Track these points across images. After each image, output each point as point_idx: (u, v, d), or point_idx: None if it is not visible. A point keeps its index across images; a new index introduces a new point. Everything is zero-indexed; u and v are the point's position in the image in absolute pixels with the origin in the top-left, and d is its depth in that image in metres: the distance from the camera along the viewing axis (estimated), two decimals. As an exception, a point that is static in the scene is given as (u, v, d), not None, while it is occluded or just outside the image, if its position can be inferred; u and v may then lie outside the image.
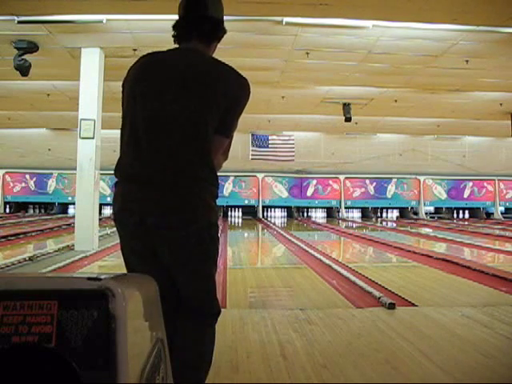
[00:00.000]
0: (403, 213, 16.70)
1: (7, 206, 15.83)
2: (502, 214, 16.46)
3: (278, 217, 16.15)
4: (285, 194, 16.05)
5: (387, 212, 17.00)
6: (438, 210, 16.97)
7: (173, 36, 1.70)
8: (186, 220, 1.54)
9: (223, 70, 1.65)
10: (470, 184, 16.57)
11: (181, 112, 1.56)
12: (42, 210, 16.26)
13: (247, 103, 1.69)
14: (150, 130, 1.56)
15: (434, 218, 16.30)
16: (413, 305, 3.65)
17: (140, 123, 1.57)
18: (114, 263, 5.96)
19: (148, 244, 1.58)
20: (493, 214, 16.57)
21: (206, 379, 1.65)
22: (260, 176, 15.69)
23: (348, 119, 10.39)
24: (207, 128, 1.56)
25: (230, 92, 1.61)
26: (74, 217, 7.32)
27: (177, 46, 1.71)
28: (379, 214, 16.85)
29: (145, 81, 1.62)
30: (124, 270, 1.64)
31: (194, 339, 1.62)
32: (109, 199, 15.85)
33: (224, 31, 1.74)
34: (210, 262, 1.65)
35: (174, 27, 1.68)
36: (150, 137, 1.56)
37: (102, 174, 7.07)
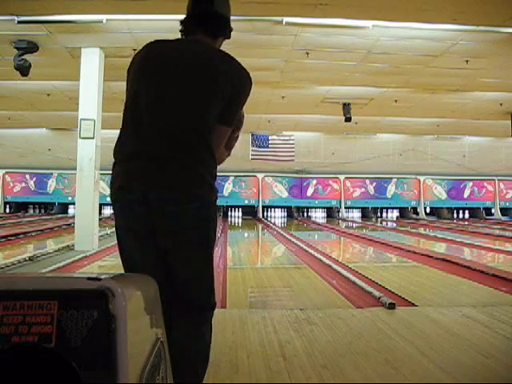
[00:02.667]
0: (403, 213, 16.71)
1: (7, 206, 15.83)
2: (501, 213, 16.46)
3: (277, 217, 16.15)
4: (285, 194, 16.05)
5: (387, 212, 17.00)
6: (437, 210, 16.96)
7: (180, 31, 1.77)
8: (188, 195, 1.55)
9: (227, 59, 1.67)
10: (470, 184, 16.57)
11: (183, 96, 1.59)
12: (42, 210, 16.26)
13: (249, 96, 1.71)
14: (153, 111, 1.58)
15: (434, 215, 16.30)
16: (413, 305, 3.65)
17: (143, 105, 1.59)
18: (114, 263, 5.95)
19: (147, 223, 1.56)
20: (493, 213, 16.57)
21: (205, 378, 1.64)
22: (260, 176, 15.70)
23: (348, 119, 10.39)
24: (208, 112, 1.59)
25: (232, 81, 1.63)
26: (74, 217, 7.32)
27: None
28: (379, 214, 16.85)
29: (149, 66, 1.65)
30: (123, 270, 1.64)
31: (191, 335, 1.60)
32: (109, 199, 15.82)
33: (230, 29, 1.79)
34: (208, 243, 1.63)
35: (182, 22, 1.76)
36: (152, 118, 1.57)
37: (101, 173, 7.07)
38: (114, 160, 1.64)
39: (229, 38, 1.82)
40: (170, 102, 1.58)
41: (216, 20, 1.74)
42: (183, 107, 1.58)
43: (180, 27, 1.76)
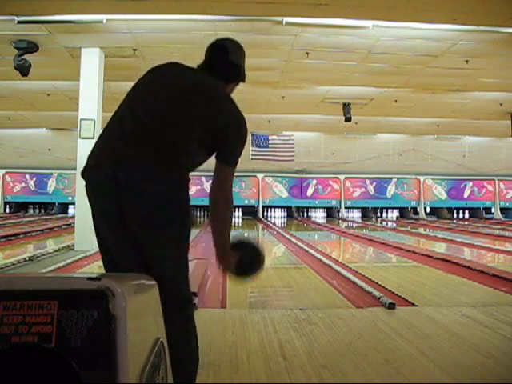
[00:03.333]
0: (403, 213, 16.70)
1: (7, 206, 15.82)
2: (501, 213, 16.46)
3: (277, 217, 16.15)
4: (285, 194, 16.05)
5: (387, 212, 17.00)
6: (438, 211, 16.96)
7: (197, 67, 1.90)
8: (158, 174, 1.56)
9: (222, 98, 1.78)
10: (470, 184, 16.57)
11: (174, 113, 1.65)
12: (42, 210, 16.25)
13: (244, 141, 1.79)
14: (140, 118, 1.64)
15: (434, 215, 16.30)
16: (413, 305, 3.64)
17: (134, 110, 1.67)
18: (114, 263, 5.96)
19: (119, 203, 1.53)
20: (493, 213, 16.57)
21: (205, 378, 1.63)
22: (260, 176, 15.70)
23: (348, 119, 10.39)
24: (189, 137, 1.64)
25: (221, 116, 1.71)
26: (74, 217, 7.32)
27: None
28: (379, 214, 16.85)
29: (150, 85, 1.76)
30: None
31: (177, 333, 1.49)
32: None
33: (244, 74, 1.96)
34: (176, 227, 1.59)
35: (199, 66, 1.88)
36: (137, 122, 1.63)
37: (102, 173, 7.06)
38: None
39: (243, 81, 1.96)
40: (160, 115, 1.64)
41: (230, 68, 1.90)
42: (170, 123, 1.63)
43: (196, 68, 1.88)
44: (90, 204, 1.65)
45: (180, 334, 1.55)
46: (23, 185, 15.74)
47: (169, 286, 1.52)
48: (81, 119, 6.79)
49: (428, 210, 16.70)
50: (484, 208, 16.74)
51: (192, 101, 1.66)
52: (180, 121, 1.63)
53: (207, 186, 15.56)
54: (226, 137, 1.71)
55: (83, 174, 1.64)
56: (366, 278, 4.73)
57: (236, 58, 1.94)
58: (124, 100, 1.73)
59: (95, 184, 1.60)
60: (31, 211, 16.14)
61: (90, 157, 1.66)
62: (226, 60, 1.88)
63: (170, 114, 1.64)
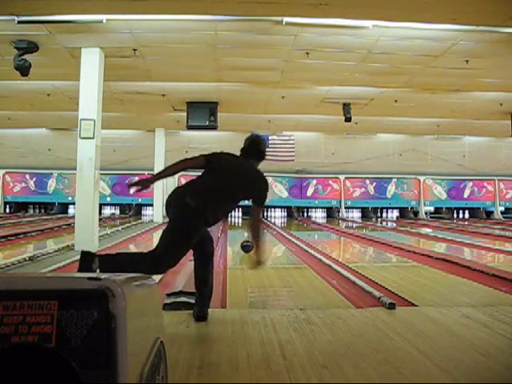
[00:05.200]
0: (403, 213, 16.71)
1: (7, 206, 15.83)
2: (501, 213, 16.46)
3: (277, 217, 16.15)
4: (285, 194, 16.05)
5: (387, 212, 17.00)
6: (437, 210, 16.97)
7: (240, 151, 3.30)
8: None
9: (258, 176, 3.20)
10: (470, 184, 16.57)
11: (230, 188, 3.04)
12: (42, 210, 16.26)
13: (268, 190, 3.21)
14: (211, 189, 2.98)
15: (434, 218, 16.30)
16: (413, 305, 3.65)
17: (213, 180, 3.05)
18: (114, 263, 5.95)
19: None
20: (493, 213, 16.57)
21: (205, 379, 1.63)
22: (260, 176, 15.67)
23: (348, 119, 10.38)
24: (234, 200, 3.11)
25: (258, 186, 3.16)
26: (73, 217, 7.32)
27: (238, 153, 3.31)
28: (379, 214, 16.85)
29: (225, 162, 3.19)
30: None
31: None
32: (109, 199, 15.88)
33: (264, 156, 3.38)
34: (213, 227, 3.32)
35: (242, 149, 3.30)
36: (215, 185, 3.02)
37: (101, 173, 7.07)
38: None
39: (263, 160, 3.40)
40: (223, 190, 3.00)
41: (259, 154, 3.32)
42: (226, 195, 3.02)
43: (241, 152, 3.29)
44: (187, 222, 2.87)
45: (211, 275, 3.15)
46: (23, 185, 15.75)
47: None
48: (81, 119, 6.78)
49: (428, 209, 16.68)
50: (484, 208, 16.74)
51: (244, 181, 3.14)
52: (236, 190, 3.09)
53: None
54: (261, 195, 3.15)
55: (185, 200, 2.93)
56: (366, 278, 4.73)
57: (263, 147, 3.39)
58: (209, 175, 3.09)
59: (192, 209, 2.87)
60: (31, 211, 16.14)
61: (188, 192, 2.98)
62: (258, 150, 3.33)
63: (234, 185, 3.07)
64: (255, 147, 3.33)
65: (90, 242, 6.72)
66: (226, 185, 3.01)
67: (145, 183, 2.98)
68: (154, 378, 1.09)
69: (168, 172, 3.06)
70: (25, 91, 9.32)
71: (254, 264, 3.08)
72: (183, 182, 15.73)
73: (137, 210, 16.18)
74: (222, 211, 3.09)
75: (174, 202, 2.94)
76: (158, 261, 2.77)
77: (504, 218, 16.00)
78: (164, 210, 3.17)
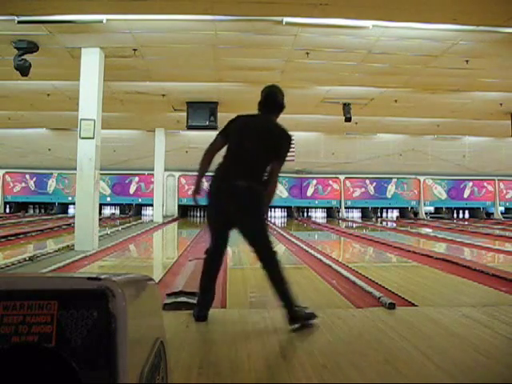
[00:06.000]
0: (403, 213, 16.70)
1: (7, 206, 15.83)
2: (501, 213, 16.46)
3: (278, 217, 16.15)
4: (285, 194, 16.05)
5: (387, 212, 17.00)
6: (437, 210, 16.97)
7: (258, 105, 3.16)
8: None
9: (281, 130, 3.05)
10: (470, 184, 16.57)
11: (256, 151, 2.98)
12: (42, 210, 16.26)
13: (290, 144, 3.06)
14: (238, 157, 3.00)
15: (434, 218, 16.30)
16: (413, 305, 3.64)
17: (234, 152, 3.03)
18: (114, 263, 5.95)
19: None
20: (493, 213, 16.57)
21: (205, 379, 1.63)
22: (260, 176, 15.67)
23: (348, 119, 10.38)
24: (267, 162, 3.00)
25: (281, 142, 3.03)
26: (73, 217, 7.32)
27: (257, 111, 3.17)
28: (379, 214, 16.84)
29: (242, 130, 3.07)
30: (123, 270, 1.64)
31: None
32: (109, 199, 15.89)
33: (283, 108, 3.21)
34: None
35: (259, 104, 3.15)
36: (237, 161, 3.01)
37: (101, 173, 7.07)
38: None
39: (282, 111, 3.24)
40: (248, 155, 2.98)
41: (278, 107, 3.17)
42: (256, 154, 2.98)
43: (258, 107, 3.16)
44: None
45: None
46: (23, 185, 15.75)
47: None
48: (81, 119, 6.78)
49: (428, 209, 16.67)
50: (484, 208, 16.74)
51: (269, 139, 3.02)
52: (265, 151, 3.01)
53: (207, 186, 15.57)
54: (285, 153, 3.03)
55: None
56: (366, 277, 4.73)
57: (282, 99, 3.19)
58: (233, 145, 3.04)
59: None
60: (31, 211, 16.14)
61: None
62: (276, 102, 3.16)
63: (259, 147, 2.99)
64: (272, 99, 3.15)
65: (89, 242, 6.72)
66: (253, 152, 2.94)
67: (197, 190, 3.06)
68: (154, 378, 1.09)
69: (203, 169, 3.07)
70: (25, 91, 9.33)
71: None
72: (183, 181, 15.79)
73: (137, 210, 16.18)
74: (262, 179, 2.99)
75: (229, 191, 2.91)
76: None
77: (504, 218, 16.00)
78: (198, 200, 3.09)
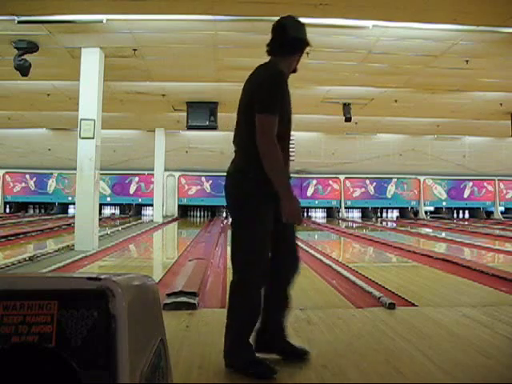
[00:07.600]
0: (403, 213, 16.70)
1: (7, 206, 15.83)
2: (501, 213, 16.45)
3: (277, 217, 16.11)
4: (285, 194, 16.01)
5: (387, 212, 17.00)
6: (437, 210, 16.97)
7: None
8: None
9: (257, 73, 2.28)
10: (470, 184, 16.56)
11: (237, 117, 2.33)
12: (42, 210, 16.25)
13: (272, 85, 2.22)
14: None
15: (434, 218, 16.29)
16: (413, 305, 3.64)
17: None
18: (114, 263, 5.96)
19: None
20: (493, 213, 16.56)
21: (205, 379, 1.63)
22: (260, 176, 15.67)
23: (348, 119, 10.38)
24: (247, 123, 2.19)
25: (253, 87, 2.23)
26: (74, 217, 7.32)
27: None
28: (379, 214, 16.84)
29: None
30: (123, 270, 1.64)
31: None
32: (109, 199, 15.88)
33: (304, 44, 2.50)
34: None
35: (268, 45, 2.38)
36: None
37: (101, 173, 7.07)
38: None
39: (307, 46, 2.57)
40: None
41: (282, 43, 2.42)
42: (237, 121, 2.32)
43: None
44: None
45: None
46: (23, 185, 15.75)
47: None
48: (81, 119, 6.78)
49: (428, 209, 16.67)
50: (484, 208, 16.73)
51: (244, 93, 2.28)
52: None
53: (207, 185, 15.58)
54: (256, 95, 2.16)
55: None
56: (366, 277, 4.73)
57: (289, 31, 2.40)
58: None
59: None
60: (31, 211, 16.14)
61: None
62: (278, 37, 2.36)
63: (239, 111, 2.32)
64: (276, 34, 2.37)
65: (89, 242, 6.72)
66: (237, 121, 2.30)
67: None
68: (154, 378, 1.09)
69: (281, 164, 2.20)
70: (25, 91, 9.32)
71: (286, 216, 2.26)
72: (183, 181, 15.78)
73: (137, 210, 16.17)
74: (247, 150, 2.21)
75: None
76: None
77: (504, 218, 15.99)
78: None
